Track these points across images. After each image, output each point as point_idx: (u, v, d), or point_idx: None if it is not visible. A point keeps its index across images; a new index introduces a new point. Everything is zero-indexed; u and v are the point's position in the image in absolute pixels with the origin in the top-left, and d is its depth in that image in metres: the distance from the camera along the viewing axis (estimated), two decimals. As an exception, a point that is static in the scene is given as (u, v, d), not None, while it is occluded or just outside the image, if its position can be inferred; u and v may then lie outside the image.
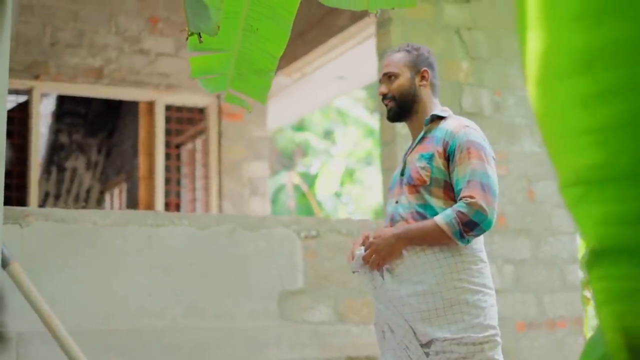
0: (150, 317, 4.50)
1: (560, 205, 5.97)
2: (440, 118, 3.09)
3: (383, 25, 5.64)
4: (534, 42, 0.98)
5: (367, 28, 6.66)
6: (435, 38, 5.70)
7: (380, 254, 2.94)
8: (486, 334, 2.86)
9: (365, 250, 3.00)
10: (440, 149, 2.97)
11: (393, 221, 3.05)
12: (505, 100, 5.89)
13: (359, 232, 5.09)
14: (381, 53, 5.64)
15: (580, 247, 6.19)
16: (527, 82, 1.01)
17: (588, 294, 11.11)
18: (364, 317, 4.99)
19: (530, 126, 5.96)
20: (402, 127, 5.34)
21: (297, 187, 19.05)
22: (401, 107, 3.14)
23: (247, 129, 8.38)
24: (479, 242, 2.99)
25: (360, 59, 7.72)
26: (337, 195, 19.35)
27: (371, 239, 2.98)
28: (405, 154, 3.15)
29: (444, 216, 2.84)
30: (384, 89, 3.16)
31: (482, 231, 2.85)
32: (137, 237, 4.53)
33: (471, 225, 2.81)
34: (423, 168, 2.97)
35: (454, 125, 3.01)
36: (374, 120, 19.52)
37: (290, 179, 19.14)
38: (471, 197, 2.83)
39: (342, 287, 4.99)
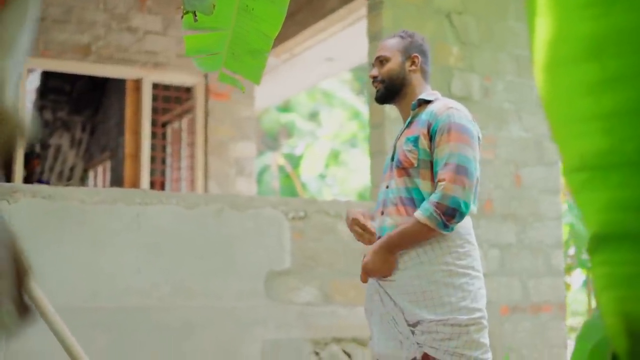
0: (137, 295, 4.50)
1: (546, 190, 6.00)
2: (428, 102, 3.14)
3: (374, 8, 5.64)
4: (543, 29, 0.98)
5: (357, 10, 6.65)
6: (426, 22, 5.69)
7: (377, 272, 3.01)
8: (472, 316, 2.91)
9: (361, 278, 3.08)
10: (425, 131, 3.02)
11: (384, 206, 3.10)
12: (494, 86, 5.91)
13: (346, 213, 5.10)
14: (372, 36, 5.63)
15: (565, 232, 6.23)
16: (535, 68, 1.01)
17: (568, 279, 11.16)
18: (351, 298, 5.01)
19: (519, 112, 5.98)
20: (391, 110, 5.35)
21: (281, 168, 19.05)
22: (389, 89, 3.20)
23: (235, 109, 8.37)
24: (465, 226, 3.03)
25: (350, 41, 7.72)
26: (322, 177, 19.37)
27: (363, 262, 3.03)
28: (396, 139, 3.20)
29: (423, 211, 2.88)
30: (374, 71, 3.23)
31: (463, 215, 2.89)
32: (125, 216, 4.52)
33: (451, 212, 2.85)
34: (410, 151, 3.02)
35: (438, 107, 3.05)
36: (360, 103, 19.50)
37: (274, 159, 19.13)
38: (444, 180, 2.87)
39: (329, 268, 5.00)
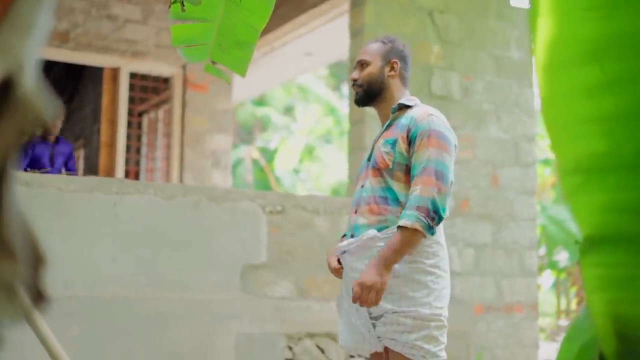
0: (112, 285, 4.48)
1: (522, 191, 6.04)
2: (407, 107, 3.21)
3: (357, 4, 5.63)
4: (544, 30, 0.98)
5: (339, 6, 6.64)
6: (408, 19, 5.70)
7: (374, 288, 2.90)
8: (434, 312, 2.97)
9: (353, 295, 2.96)
10: (404, 134, 3.08)
11: (358, 206, 3.14)
12: (474, 85, 5.93)
13: (324, 209, 5.10)
14: (354, 32, 5.64)
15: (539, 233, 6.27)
16: (536, 69, 1.02)
17: (538, 280, 11.25)
18: (326, 293, 5.02)
19: (497, 112, 6.01)
20: (371, 108, 5.36)
21: (255, 162, 19.02)
22: (368, 93, 3.27)
23: (212, 101, 8.34)
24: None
25: (330, 36, 7.71)
26: (296, 171, 19.35)
27: (357, 284, 2.92)
28: (374, 140, 3.27)
29: (408, 217, 2.91)
30: (355, 74, 3.31)
31: (441, 218, 2.95)
32: (102, 205, 4.49)
33: (432, 214, 2.91)
34: (387, 153, 3.09)
35: (418, 113, 3.12)
36: (336, 98, 19.51)
37: (249, 153, 19.09)
38: (422, 184, 2.93)
39: (305, 263, 5.00)
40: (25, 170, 7.25)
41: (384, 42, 3.32)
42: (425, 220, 2.89)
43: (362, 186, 3.16)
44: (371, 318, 3.00)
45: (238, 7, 2.66)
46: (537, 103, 6.05)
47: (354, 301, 2.94)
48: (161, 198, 4.64)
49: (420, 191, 2.92)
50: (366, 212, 3.09)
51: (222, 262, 4.77)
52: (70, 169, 7.51)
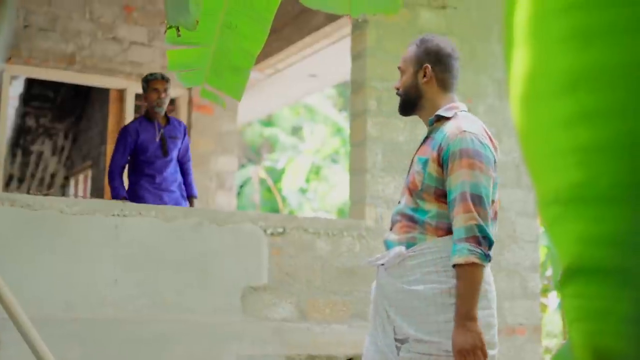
0: (113, 307, 4.48)
1: (524, 213, 6.02)
2: (447, 118, 2.99)
3: (358, 27, 5.65)
4: (520, 61, 0.98)
5: (343, 28, 6.67)
6: (410, 42, 5.71)
7: (479, 349, 2.73)
8: None
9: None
10: (435, 154, 2.91)
11: (393, 223, 3.04)
12: (475, 107, 5.92)
13: (325, 230, 5.09)
14: (355, 55, 5.65)
15: (542, 254, 6.23)
16: (511, 100, 1.02)
17: (545, 301, 11.19)
18: (327, 316, 5.01)
19: (499, 135, 6.00)
20: (372, 129, 5.35)
21: (262, 182, 19.03)
22: (406, 102, 3.11)
23: (217, 123, 8.36)
24: None
25: (334, 58, 7.74)
26: (303, 191, 19.35)
27: (457, 354, 2.74)
28: (415, 151, 3.11)
29: (459, 252, 2.73)
30: (397, 83, 3.14)
31: (492, 242, 2.76)
32: (104, 227, 4.50)
33: (482, 240, 2.73)
34: (418, 173, 2.94)
35: (451, 129, 2.90)
36: (342, 118, 19.54)
37: (256, 173, 19.10)
38: (462, 212, 2.75)
39: (306, 285, 5.00)
40: (130, 158, 5.89)
41: (417, 45, 3.10)
42: (478, 250, 2.70)
43: (399, 202, 3.04)
44: (396, 340, 2.86)
45: (233, 32, 2.68)
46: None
47: None
48: (162, 220, 4.65)
49: (462, 221, 2.73)
50: (397, 229, 2.97)
51: (223, 284, 4.77)
52: (186, 162, 6.09)
